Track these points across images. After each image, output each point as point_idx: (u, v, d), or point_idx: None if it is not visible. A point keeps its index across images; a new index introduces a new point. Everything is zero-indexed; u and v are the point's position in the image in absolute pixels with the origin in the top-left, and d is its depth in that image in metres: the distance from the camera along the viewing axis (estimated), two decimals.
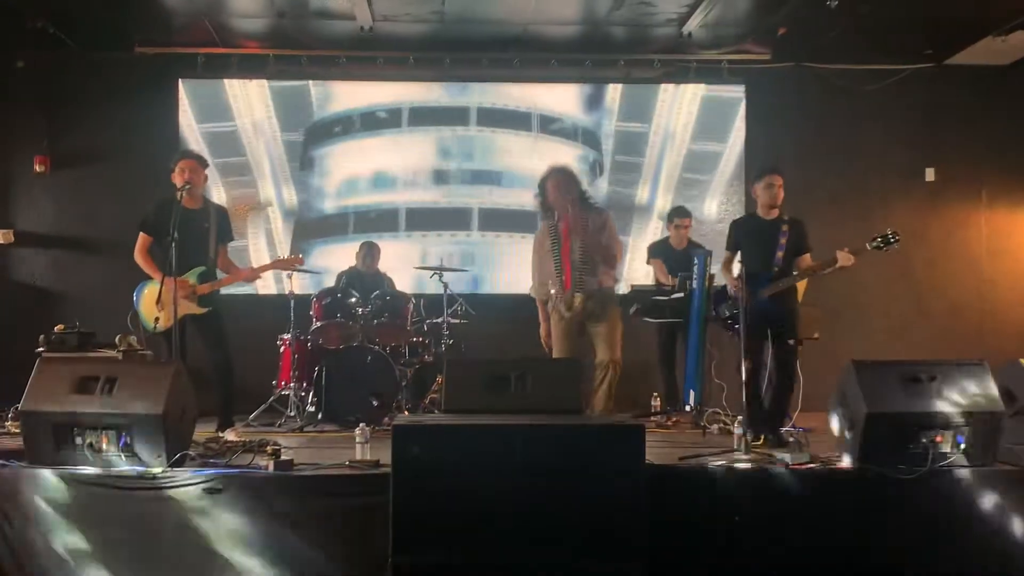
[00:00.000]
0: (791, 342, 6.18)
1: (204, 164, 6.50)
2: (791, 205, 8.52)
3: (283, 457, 4.72)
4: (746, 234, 6.35)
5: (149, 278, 6.31)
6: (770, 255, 6.12)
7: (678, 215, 8.17)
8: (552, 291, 6.31)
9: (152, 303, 6.13)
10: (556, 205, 6.27)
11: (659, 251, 8.22)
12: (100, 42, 8.71)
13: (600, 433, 4.16)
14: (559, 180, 6.28)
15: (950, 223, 9.38)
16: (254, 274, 6.90)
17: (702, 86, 9.30)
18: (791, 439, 5.52)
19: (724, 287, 6.43)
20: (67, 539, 4.36)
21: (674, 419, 7.35)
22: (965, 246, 9.40)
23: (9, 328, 8.45)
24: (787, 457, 4.92)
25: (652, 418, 7.60)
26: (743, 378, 5.72)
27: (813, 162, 9.16)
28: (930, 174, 9.37)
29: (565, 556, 4.06)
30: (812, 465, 4.82)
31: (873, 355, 5.23)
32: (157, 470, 4.44)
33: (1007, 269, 9.37)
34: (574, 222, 6.22)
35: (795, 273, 6.21)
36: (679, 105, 9.30)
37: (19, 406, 4.62)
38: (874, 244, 6.12)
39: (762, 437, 5.86)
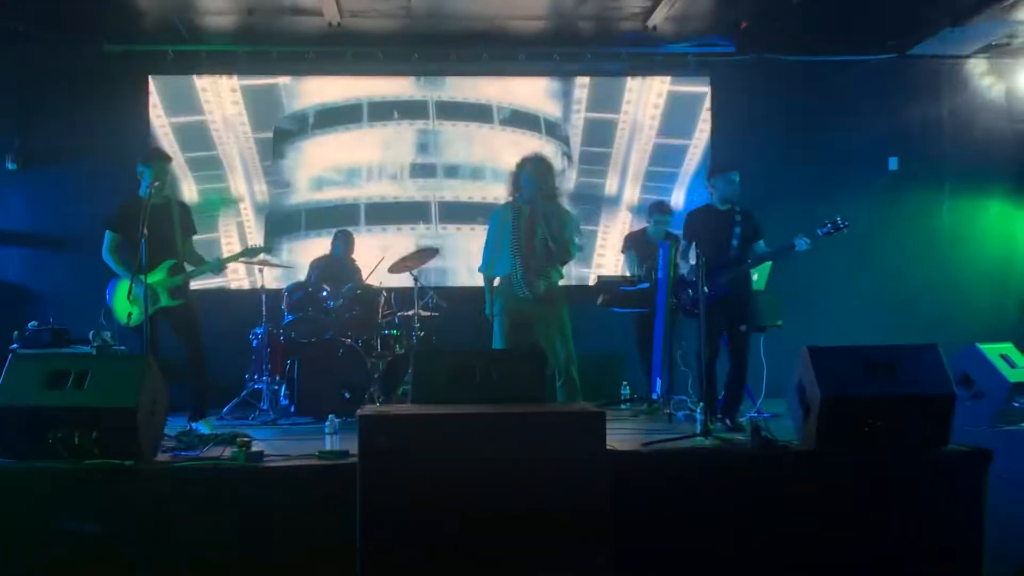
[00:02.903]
0: (743, 328, 6.38)
1: (167, 160, 6.57)
2: (757, 195, 8.72)
3: (254, 449, 4.80)
4: (703, 224, 6.52)
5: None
6: (726, 244, 6.32)
7: (660, 210, 8.14)
8: (507, 272, 6.36)
9: (124, 299, 6.20)
10: (528, 190, 6.34)
11: (634, 242, 8.25)
12: (70, 39, 8.72)
13: (562, 421, 4.27)
14: (537, 168, 6.35)
15: (913, 211, 9.55)
16: (220, 265, 6.92)
17: (668, 79, 9.41)
18: (749, 424, 5.64)
19: (683, 276, 6.63)
20: (41, 533, 4.39)
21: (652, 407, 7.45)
22: (928, 233, 9.57)
23: None
24: (746, 442, 5.06)
25: (621, 406, 7.76)
26: (701, 366, 5.88)
27: (778, 153, 9.31)
28: (893, 163, 9.52)
29: (531, 542, 4.15)
30: (770, 450, 4.94)
31: (838, 341, 5.35)
32: (129, 463, 4.49)
33: (969, 256, 9.55)
34: (543, 211, 6.32)
35: (750, 260, 6.45)
36: (646, 98, 9.42)
37: None
38: (824, 230, 6.26)
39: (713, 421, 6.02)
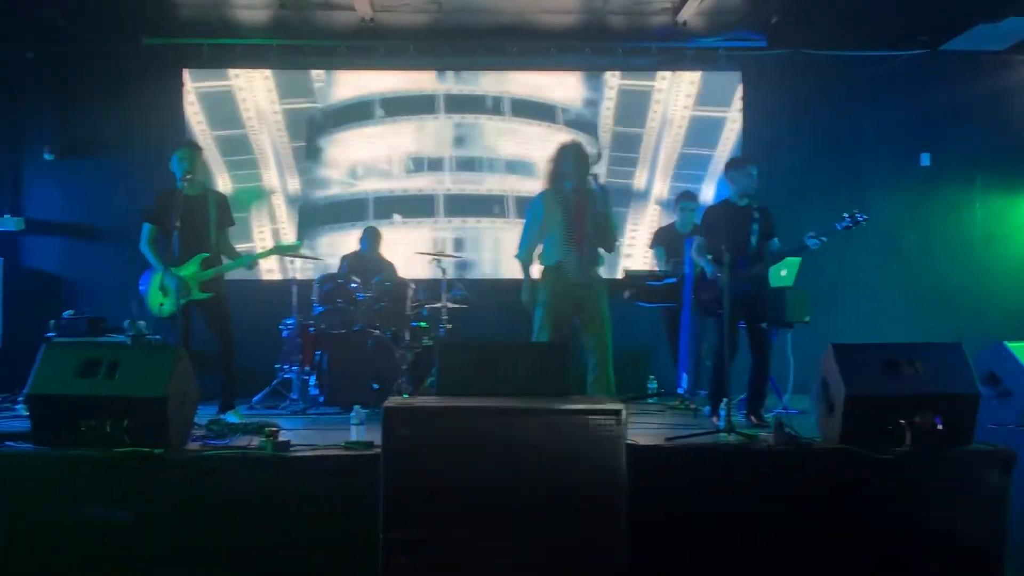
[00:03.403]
0: (764, 325, 6.37)
1: (198, 151, 6.66)
2: (786, 190, 8.72)
3: (281, 439, 4.89)
4: (721, 220, 6.41)
5: None
6: (745, 241, 6.26)
7: (685, 199, 8.14)
8: (559, 259, 6.30)
9: (157, 290, 6.33)
10: (572, 177, 6.28)
11: (664, 236, 8.23)
12: (107, 33, 8.86)
13: (582, 415, 4.31)
14: (578, 154, 6.31)
15: (944, 207, 9.47)
16: (252, 260, 7.02)
17: (695, 91, 9.41)
18: (773, 420, 5.66)
19: (703, 273, 6.53)
20: (69, 518, 4.49)
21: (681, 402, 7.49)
22: (959, 231, 9.48)
23: (20, 314, 8.65)
24: (770, 438, 5.08)
25: (648, 401, 7.79)
26: (719, 361, 5.97)
27: (809, 148, 9.29)
28: (926, 159, 9.46)
29: (549, 533, 4.21)
30: (793, 446, 4.96)
31: (865, 338, 5.39)
32: (158, 451, 4.59)
33: (1001, 254, 9.46)
34: (586, 196, 6.28)
35: (771, 255, 6.43)
36: (676, 92, 9.41)
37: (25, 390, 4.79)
38: (843, 224, 6.25)
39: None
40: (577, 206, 6.26)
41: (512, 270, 8.97)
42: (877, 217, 9.01)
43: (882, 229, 9.06)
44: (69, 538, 4.51)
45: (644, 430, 5.87)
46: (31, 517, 4.53)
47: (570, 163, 6.29)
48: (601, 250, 6.41)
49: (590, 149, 6.61)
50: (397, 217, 9.32)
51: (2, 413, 7.20)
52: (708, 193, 9.19)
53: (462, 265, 9.23)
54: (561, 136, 8.91)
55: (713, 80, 9.43)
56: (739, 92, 9.39)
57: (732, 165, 6.59)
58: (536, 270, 6.48)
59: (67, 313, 7.91)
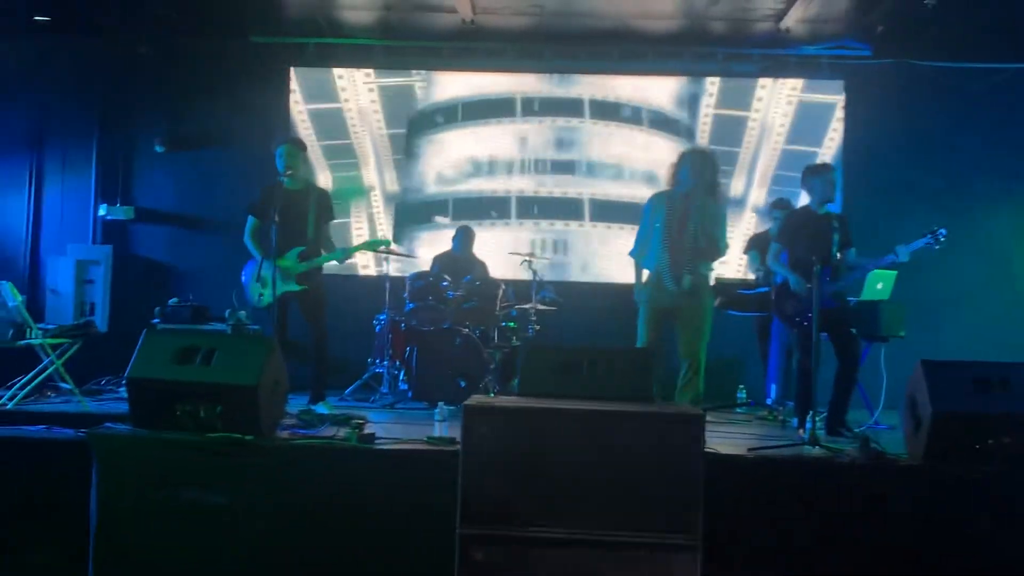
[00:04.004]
0: (853, 331, 6.29)
1: (302, 148, 6.83)
2: (888, 202, 8.56)
3: (366, 431, 5.01)
4: (803, 228, 6.31)
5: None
6: (827, 249, 6.12)
7: (778, 206, 7.95)
8: (656, 264, 6.27)
9: (255, 281, 6.53)
10: (685, 183, 6.24)
11: (758, 242, 8.06)
12: (217, 31, 9.15)
13: (661, 421, 4.31)
14: (697, 161, 6.26)
15: None
16: (345, 255, 7.15)
17: (800, 83, 9.30)
18: (856, 434, 5.57)
19: (785, 283, 6.38)
20: (163, 499, 4.67)
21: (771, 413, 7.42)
22: None
23: (128, 299, 8.99)
24: (854, 452, 5.01)
25: (736, 410, 7.73)
26: (804, 373, 5.90)
27: (913, 160, 9.07)
28: None
29: (623, 537, 4.22)
30: (877, 462, 4.89)
31: (964, 356, 5.25)
32: (249, 438, 4.74)
33: None
34: (695, 204, 6.21)
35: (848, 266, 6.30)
36: (777, 100, 9.31)
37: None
38: (923, 242, 6.12)
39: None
40: (682, 213, 6.21)
41: (603, 274, 9.11)
42: (983, 232, 8.87)
43: (988, 244, 8.85)
44: (164, 518, 4.67)
45: (728, 439, 5.85)
46: (128, 496, 4.71)
47: (685, 169, 6.24)
48: (706, 262, 6.32)
49: (713, 159, 6.45)
50: (492, 217, 9.42)
51: (108, 395, 7.52)
52: (806, 199, 9.06)
53: (555, 267, 9.27)
54: (654, 140, 8.94)
55: (808, 108, 9.32)
56: (836, 114, 9.25)
57: (811, 172, 6.45)
58: (645, 271, 6.46)
59: (172, 301, 8.20)
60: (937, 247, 6.15)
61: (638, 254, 6.45)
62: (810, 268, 5.72)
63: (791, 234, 6.40)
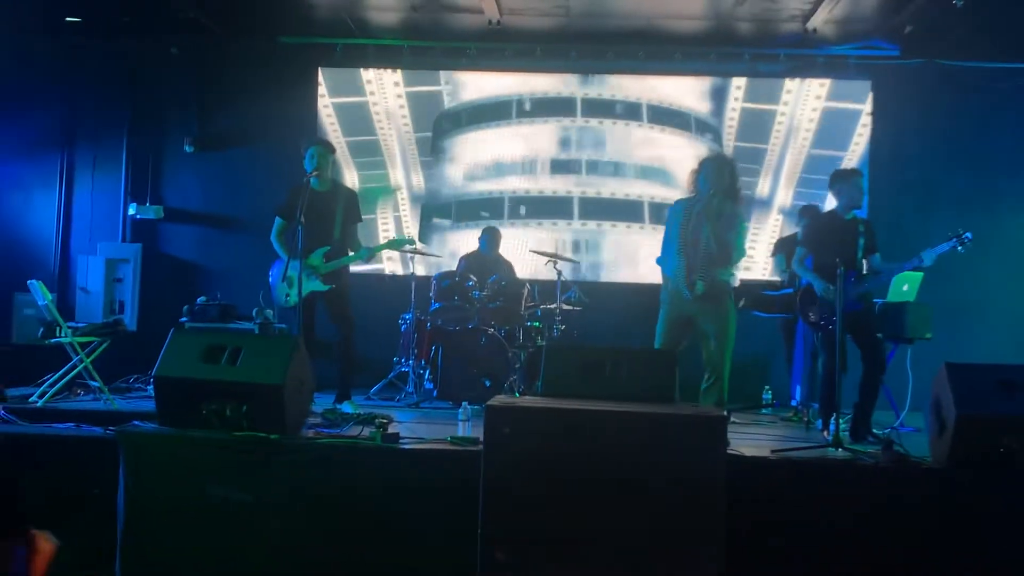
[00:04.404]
0: (879, 336, 6.27)
1: (331, 150, 6.88)
2: (915, 203, 8.51)
3: (390, 431, 5.05)
4: (829, 232, 6.30)
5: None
6: (852, 255, 6.12)
7: (807, 214, 7.77)
8: (672, 269, 6.27)
9: (283, 280, 6.59)
10: (702, 189, 6.22)
11: (785, 245, 8.01)
12: (246, 32, 9.23)
13: (683, 423, 4.32)
14: (714, 167, 6.25)
15: None
16: (370, 253, 7.14)
17: (826, 90, 9.26)
18: (881, 438, 5.56)
19: (809, 287, 6.36)
20: (190, 496, 4.72)
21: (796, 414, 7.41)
22: None
23: (156, 298, 9.09)
24: (878, 455, 5.00)
25: (761, 411, 7.73)
26: (829, 375, 5.87)
27: (940, 161, 9.02)
28: None
29: (645, 537, 4.24)
30: (900, 465, 4.87)
31: (991, 359, 5.22)
32: (274, 436, 4.80)
33: None
34: (709, 209, 6.20)
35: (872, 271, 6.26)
36: (803, 101, 9.28)
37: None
38: (947, 246, 6.06)
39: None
40: (696, 219, 6.21)
41: (629, 275, 9.11)
42: (1012, 235, 8.79)
43: (1016, 246, 8.76)
44: (190, 515, 4.73)
45: (753, 441, 5.85)
46: (155, 493, 4.76)
47: (703, 175, 6.26)
48: (722, 268, 6.26)
49: (732, 164, 6.43)
50: (520, 216, 9.45)
51: (136, 393, 7.61)
52: (832, 202, 9.02)
53: (582, 267, 9.28)
54: (677, 141, 8.93)
55: (834, 110, 9.28)
56: (861, 120, 9.21)
57: (839, 176, 6.44)
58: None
59: (200, 299, 8.29)
60: (962, 249, 6.10)
61: (663, 260, 6.47)
62: (834, 272, 5.70)
63: (816, 238, 6.37)
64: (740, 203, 6.44)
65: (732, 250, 6.23)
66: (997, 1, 7.52)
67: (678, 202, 6.46)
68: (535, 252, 8.32)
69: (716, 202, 6.17)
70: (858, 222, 6.27)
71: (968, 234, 6.07)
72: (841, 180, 6.38)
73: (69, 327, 7.05)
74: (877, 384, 6.19)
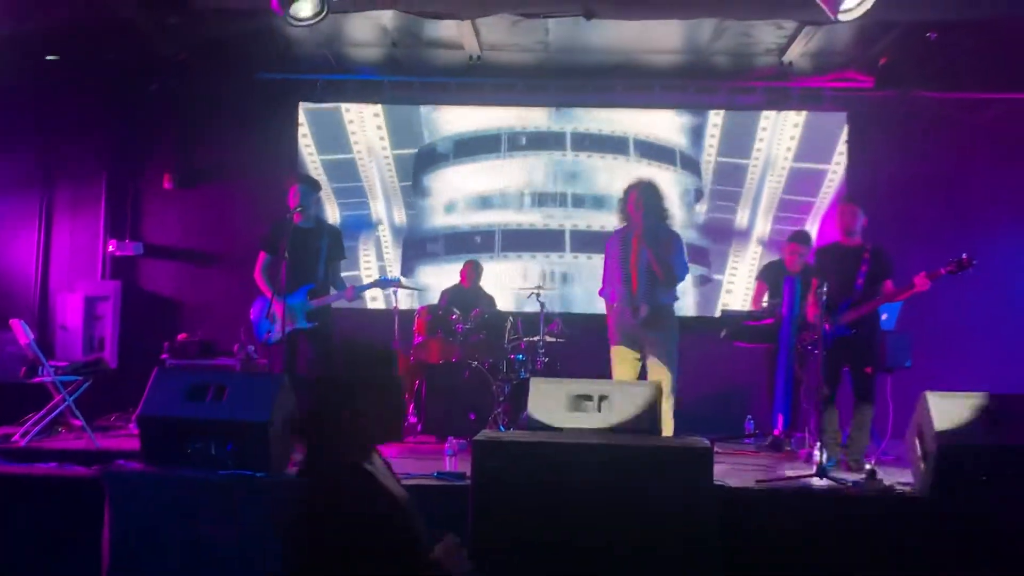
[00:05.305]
0: (868, 371, 6.28)
1: (316, 188, 6.90)
2: (892, 233, 8.57)
3: None
4: (830, 261, 6.43)
5: None
6: (850, 282, 6.20)
7: (798, 240, 7.88)
8: (618, 299, 6.45)
9: (265, 317, 6.58)
10: (632, 215, 6.44)
11: (770, 273, 8.05)
12: (226, 68, 9.21)
13: (670, 454, 4.35)
14: (639, 192, 6.46)
15: None
16: (354, 294, 7.16)
17: (803, 115, 9.36)
18: (867, 467, 5.59)
19: (804, 314, 6.48)
20: (175, 535, 4.70)
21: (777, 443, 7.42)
22: None
23: (136, 335, 9.04)
24: (862, 485, 5.04)
25: (744, 441, 7.74)
26: (817, 404, 5.93)
27: (915, 191, 9.08)
28: None
29: (634, 570, 4.24)
30: (883, 494, 4.91)
31: (970, 387, 5.26)
32: (260, 474, 4.77)
33: None
34: (645, 234, 6.38)
35: (873, 299, 6.31)
36: (780, 132, 9.38)
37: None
38: (949, 269, 6.11)
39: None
40: (634, 246, 6.38)
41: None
42: (989, 264, 8.82)
43: (994, 276, 8.83)
44: (176, 554, 4.69)
45: (737, 471, 5.87)
46: (140, 533, 4.73)
47: (632, 203, 6.42)
48: (665, 289, 6.46)
49: (659, 188, 6.63)
50: (504, 249, 9.48)
51: (117, 431, 7.55)
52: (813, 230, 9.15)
53: (564, 299, 9.30)
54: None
55: (815, 131, 9.37)
56: (843, 136, 9.30)
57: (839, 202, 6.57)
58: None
59: (180, 336, 8.25)
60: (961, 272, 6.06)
61: (605, 293, 6.61)
62: (829, 300, 5.80)
63: (822, 268, 6.49)
64: (672, 224, 6.57)
65: (675, 269, 6.37)
66: (970, 33, 7.62)
67: (614, 232, 6.68)
68: (521, 289, 8.32)
69: (651, 226, 6.30)
70: (864, 250, 6.36)
71: (970, 262, 6.01)
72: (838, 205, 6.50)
73: (51, 366, 7.00)
74: (862, 414, 6.24)
